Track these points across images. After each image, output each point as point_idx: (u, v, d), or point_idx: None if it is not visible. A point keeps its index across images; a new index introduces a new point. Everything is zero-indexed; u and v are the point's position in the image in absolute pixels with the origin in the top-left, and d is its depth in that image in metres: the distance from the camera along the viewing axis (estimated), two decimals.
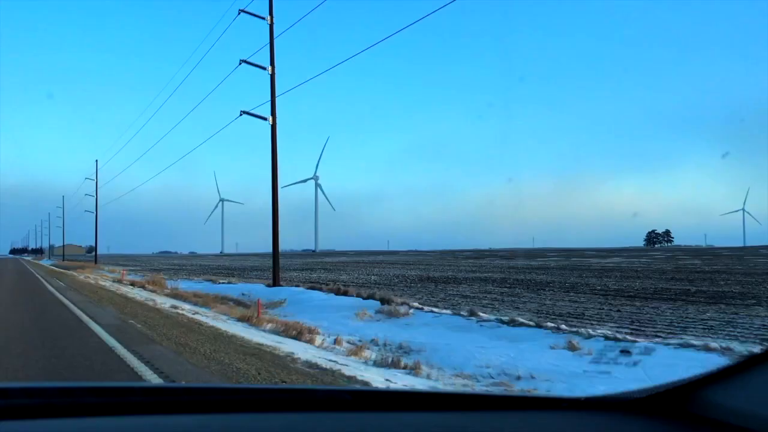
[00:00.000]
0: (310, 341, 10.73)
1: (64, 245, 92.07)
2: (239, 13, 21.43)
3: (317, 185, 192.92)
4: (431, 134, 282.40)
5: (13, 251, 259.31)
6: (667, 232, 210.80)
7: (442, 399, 1.91)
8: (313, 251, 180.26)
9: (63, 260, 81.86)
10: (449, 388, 7.04)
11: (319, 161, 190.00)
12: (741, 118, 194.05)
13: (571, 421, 1.60)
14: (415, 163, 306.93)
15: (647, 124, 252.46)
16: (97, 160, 54.94)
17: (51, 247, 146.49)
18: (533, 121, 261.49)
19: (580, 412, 1.66)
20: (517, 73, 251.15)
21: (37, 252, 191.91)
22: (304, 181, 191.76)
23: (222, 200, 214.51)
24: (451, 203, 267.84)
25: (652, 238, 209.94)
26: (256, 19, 21.65)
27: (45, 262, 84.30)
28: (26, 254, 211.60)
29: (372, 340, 11.15)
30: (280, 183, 21.86)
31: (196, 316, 13.59)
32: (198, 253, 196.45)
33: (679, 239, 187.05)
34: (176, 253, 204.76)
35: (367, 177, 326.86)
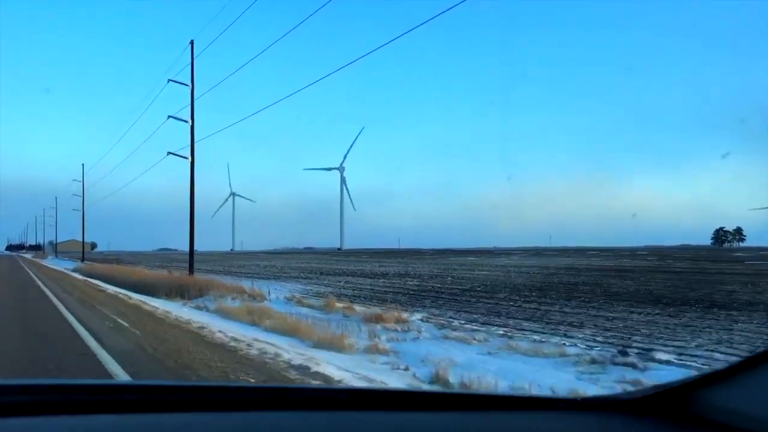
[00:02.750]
0: None
1: (84, 241, 62.88)
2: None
3: (342, 177, 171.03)
4: (441, 131, 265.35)
5: (10, 247, 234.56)
6: (739, 230, 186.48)
7: (439, 399, 1.85)
8: (339, 249, 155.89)
9: (84, 262, 54.25)
10: (447, 389, 6.17)
11: (348, 151, 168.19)
12: (741, 119, 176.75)
13: (568, 422, 1.56)
14: (425, 161, 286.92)
15: (664, 122, 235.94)
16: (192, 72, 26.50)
17: (55, 243, 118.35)
18: (547, 118, 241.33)
19: (577, 413, 1.61)
20: (525, 69, 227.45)
21: (36, 249, 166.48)
22: (329, 169, 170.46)
23: (233, 194, 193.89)
24: (462, 201, 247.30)
25: (721, 236, 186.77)
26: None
27: (57, 265, 55.83)
28: (24, 251, 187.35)
29: None
30: None
31: None
32: (199, 250, 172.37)
33: (695, 238, 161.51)
34: (176, 250, 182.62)
35: (376, 174, 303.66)
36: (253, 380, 6.23)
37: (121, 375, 6.52)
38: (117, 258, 78.28)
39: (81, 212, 60.81)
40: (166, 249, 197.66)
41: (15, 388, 1.66)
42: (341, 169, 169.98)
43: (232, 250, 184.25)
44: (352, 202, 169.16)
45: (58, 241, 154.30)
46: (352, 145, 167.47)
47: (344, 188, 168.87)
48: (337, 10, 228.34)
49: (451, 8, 11.58)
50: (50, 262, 67.88)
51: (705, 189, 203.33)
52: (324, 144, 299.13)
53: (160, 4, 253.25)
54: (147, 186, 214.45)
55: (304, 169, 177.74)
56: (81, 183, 59.93)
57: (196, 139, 23.63)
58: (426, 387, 6.58)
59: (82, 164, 61.55)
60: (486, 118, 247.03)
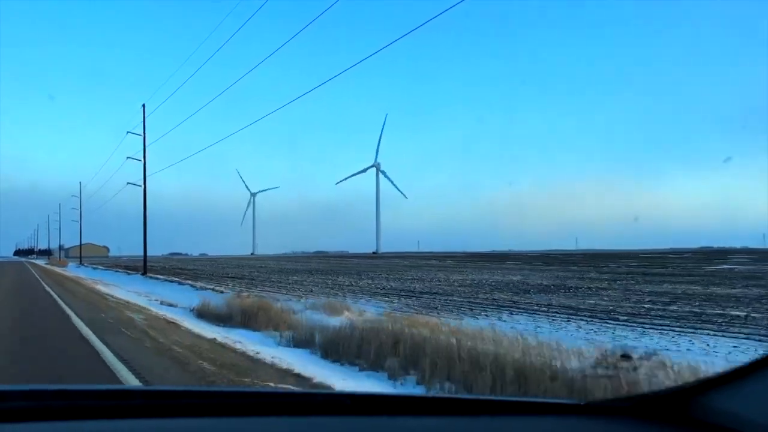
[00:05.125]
0: None
1: (145, 239, 35.04)
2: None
3: (378, 173, 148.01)
4: (458, 132, 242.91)
5: (18, 252, 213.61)
6: None
7: (442, 403, 1.78)
8: (374, 253, 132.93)
9: (153, 276, 28.25)
10: (449, 394, 5.89)
11: (378, 144, 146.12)
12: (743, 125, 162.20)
13: (571, 426, 1.53)
14: (442, 162, 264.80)
15: (692, 122, 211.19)
16: None
17: (80, 247, 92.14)
18: (563, 120, 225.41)
19: (580, 417, 1.59)
20: (528, 71, 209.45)
21: (45, 253, 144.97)
22: (364, 170, 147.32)
23: (253, 194, 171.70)
24: (477, 204, 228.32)
25: None
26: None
27: (110, 284, 28.05)
28: (34, 256, 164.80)
29: None
30: None
31: None
32: (209, 254, 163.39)
33: (716, 240, 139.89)
34: (187, 254, 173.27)
35: (392, 174, 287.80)
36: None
37: None
38: (177, 267, 52.13)
39: (92, 214, 34.49)
40: (177, 253, 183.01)
41: (19, 393, 1.61)
42: (377, 165, 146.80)
43: (252, 254, 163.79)
44: (400, 190, 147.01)
45: (68, 245, 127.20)
46: (380, 139, 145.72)
47: (381, 181, 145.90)
48: (348, 16, 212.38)
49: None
50: (85, 275, 41.45)
51: (727, 191, 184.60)
52: (328, 146, 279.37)
53: (162, 9, 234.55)
54: (154, 189, 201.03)
55: (337, 183, 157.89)
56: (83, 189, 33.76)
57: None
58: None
59: (143, 105, 35.55)
60: (501, 120, 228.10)
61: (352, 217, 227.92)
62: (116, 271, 44.94)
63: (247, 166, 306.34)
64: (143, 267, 34.89)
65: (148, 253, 36.81)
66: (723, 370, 1.39)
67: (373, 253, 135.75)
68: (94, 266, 59.68)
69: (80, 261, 73.83)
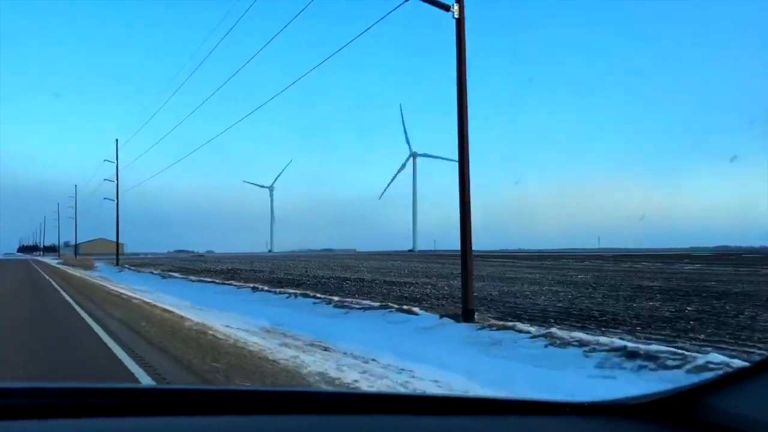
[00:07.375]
0: None
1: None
2: None
3: (414, 164, 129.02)
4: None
5: (22, 249, 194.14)
6: None
7: (446, 402, 1.76)
8: (410, 251, 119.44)
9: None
10: (453, 392, 5.78)
11: (405, 134, 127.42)
12: (751, 121, 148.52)
13: (574, 426, 1.50)
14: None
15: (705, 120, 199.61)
16: None
17: (91, 242, 65.60)
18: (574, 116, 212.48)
19: (583, 417, 1.55)
20: (529, 71, 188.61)
21: (52, 250, 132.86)
22: (402, 167, 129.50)
23: (270, 188, 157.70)
24: (490, 202, 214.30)
25: None
26: None
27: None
28: (39, 253, 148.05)
29: None
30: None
31: None
32: (215, 252, 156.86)
33: (732, 239, 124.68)
34: (194, 252, 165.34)
35: (400, 175, 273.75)
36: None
37: None
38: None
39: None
40: (183, 250, 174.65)
41: (26, 390, 1.60)
42: (413, 155, 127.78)
43: (270, 251, 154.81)
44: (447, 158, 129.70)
45: (79, 241, 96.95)
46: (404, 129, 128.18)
47: (418, 173, 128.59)
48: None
49: None
50: (102, 273, 14.53)
51: (743, 189, 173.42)
52: (334, 144, 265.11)
53: (164, 9, 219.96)
54: (158, 186, 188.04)
55: (380, 197, 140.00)
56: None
57: None
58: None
59: None
60: (508, 120, 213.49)
61: (357, 215, 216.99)
62: (266, 293, 17.92)
63: (255, 165, 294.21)
64: None
65: (153, 250, 16.26)
66: (726, 372, 1.31)
67: (410, 251, 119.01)
68: (159, 272, 32.64)
69: (117, 261, 46.47)
